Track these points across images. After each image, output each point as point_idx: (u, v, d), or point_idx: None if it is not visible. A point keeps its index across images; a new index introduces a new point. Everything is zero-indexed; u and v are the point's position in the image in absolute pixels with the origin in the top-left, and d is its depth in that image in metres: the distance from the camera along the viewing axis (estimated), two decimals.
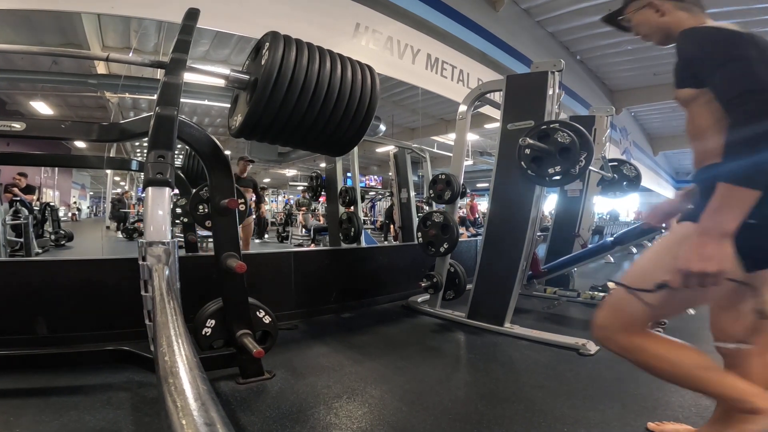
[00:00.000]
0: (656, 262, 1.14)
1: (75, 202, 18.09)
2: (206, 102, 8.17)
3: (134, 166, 4.06)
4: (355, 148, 3.86)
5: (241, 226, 4.64)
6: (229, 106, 2.10)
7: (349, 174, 5.10)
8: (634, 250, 3.44)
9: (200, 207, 3.05)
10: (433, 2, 5.64)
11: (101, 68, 7.41)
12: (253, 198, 5.84)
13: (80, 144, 10.07)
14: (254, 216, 5.51)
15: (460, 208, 9.60)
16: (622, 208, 16.26)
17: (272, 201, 15.03)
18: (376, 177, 15.67)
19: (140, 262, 1.38)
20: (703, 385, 1.16)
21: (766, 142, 0.89)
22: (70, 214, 15.68)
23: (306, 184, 5.96)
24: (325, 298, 3.39)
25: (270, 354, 2.07)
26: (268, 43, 1.75)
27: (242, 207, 3.27)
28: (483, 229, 3.16)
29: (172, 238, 1.46)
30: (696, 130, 1.14)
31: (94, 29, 6.38)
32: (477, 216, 12.42)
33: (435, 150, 10.16)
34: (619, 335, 1.17)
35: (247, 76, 1.83)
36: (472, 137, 11.55)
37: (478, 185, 20.21)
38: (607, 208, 14.01)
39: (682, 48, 1.13)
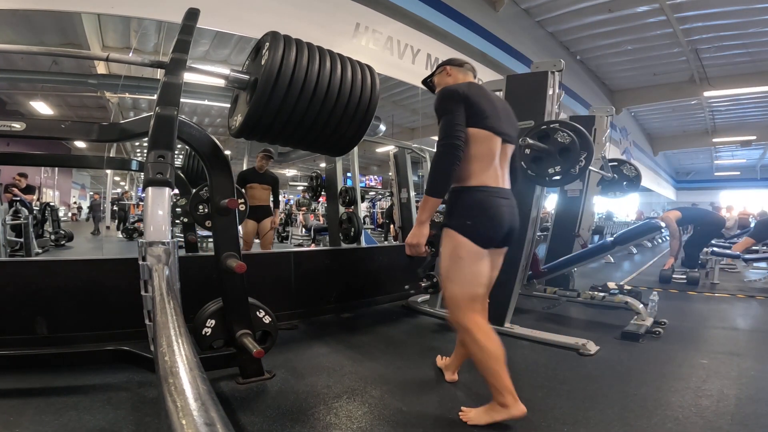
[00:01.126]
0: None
1: (75, 202, 18.08)
2: (206, 102, 8.17)
3: (134, 166, 4.06)
4: (355, 148, 3.85)
5: (264, 228, 4.34)
6: (229, 106, 2.10)
7: (349, 174, 5.10)
8: (634, 250, 3.43)
9: (200, 207, 3.06)
10: (433, 2, 5.64)
11: (101, 68, 7.40)
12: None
13: (80, 144, 10.08)
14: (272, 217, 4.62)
15: None
16: (618, 208, 16.25)
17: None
18: (376, 177, 15.67)
19: (140, 262, 1.38)
20: (489, 373, 1.59)
21: (438, 170, 1.57)
22: (70, 214, 15.68)
23: (306, 184, 5.93)
24: (325, 298, 3.39)
25: (270, 354, 2.07)
26: (268, 43, 1.74)
27: (242, 207, 3.27)
28: None
29: (172, 238, 1.46)
30: None
31: (94, 29, 6.38)
32: None
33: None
34: (457, 310, 1.64)
35: (247, 76, 1.83)
36: None
37: None
38: (602, 208, 14.02)
39: (435, 102, 1.65)
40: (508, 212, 1.67)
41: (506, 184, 1.72)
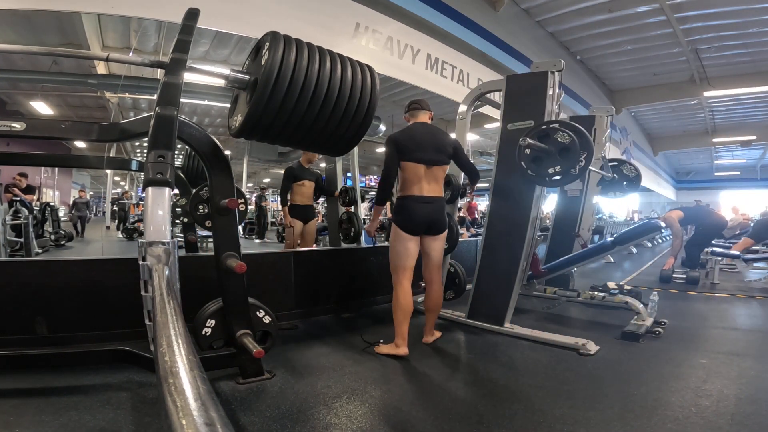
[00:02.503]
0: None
1: None
2: (206, 102, 8.17)
3: (134, 166, 4.06)
4: (355, 148, 3.85)
5: (304, 228, 4.08)
6: (229, 106, 2.10)
7: (349, 174, 5.09)
8: (634, 249, 3.43)
9: (200, 207, 3.06)
10: (433, 2, 5.63)
11: (101, 68, 7.41)
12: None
13: (80, 144, 10.08)
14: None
15: (459, 208, 9.57)
16: (613, 207, 16.24)
17: (273, 201, 15.09)
18: (376, 177, 15.66)
19: (140, 262, 1.38)
20: (395, 320, 2.38)
21: (380, 190, 2.56)
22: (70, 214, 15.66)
23: None
24: (325, 298, 3.39)
25: (270, 354, 2.07)
26: (268, 43, 1.75)
27: (242, 207, 3.25)
28: (483, 229, 3.15)
29: (172, 238, 1.46)
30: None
31: (94, 29, 6.38)
32: (476, 216, 12.39)
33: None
34: (394, 275, 2.46)
35: (247, 76, 1.83)
36: (472, 137, 11.54)
37: (478, 185, 20.17)
38: (605, 209, 13.99)
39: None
40: (427, 211, 2.45)
41: (431, 193, 2.47)
